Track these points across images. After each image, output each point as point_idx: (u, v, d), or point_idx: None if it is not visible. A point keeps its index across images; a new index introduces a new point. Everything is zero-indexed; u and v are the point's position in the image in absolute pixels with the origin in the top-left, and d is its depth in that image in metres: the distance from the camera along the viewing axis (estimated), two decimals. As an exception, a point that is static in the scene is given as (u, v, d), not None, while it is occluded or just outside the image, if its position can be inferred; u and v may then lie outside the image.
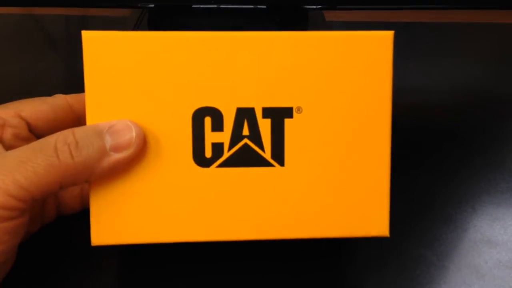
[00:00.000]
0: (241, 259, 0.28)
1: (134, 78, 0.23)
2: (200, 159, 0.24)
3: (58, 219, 0.28)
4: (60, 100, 0.26)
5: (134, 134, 0.22)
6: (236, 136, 0.24)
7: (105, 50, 0.23)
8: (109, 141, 0.22)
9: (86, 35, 0.23)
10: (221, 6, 0.42)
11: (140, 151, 0.23)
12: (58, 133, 0.22)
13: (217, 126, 0.24)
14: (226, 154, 0.24)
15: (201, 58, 0.23)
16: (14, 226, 0.21)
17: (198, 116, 0.23)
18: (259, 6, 0.42)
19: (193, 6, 0.42)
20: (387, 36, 0.24)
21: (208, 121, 0.23)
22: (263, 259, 0.28)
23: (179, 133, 0.23)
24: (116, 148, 0.22)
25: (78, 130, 0.22)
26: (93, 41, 0.23)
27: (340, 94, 0.24)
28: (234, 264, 0.28)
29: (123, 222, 0.23)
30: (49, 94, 0.27)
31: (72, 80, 0.41)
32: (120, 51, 0.23)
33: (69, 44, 0.45)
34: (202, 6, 0.42)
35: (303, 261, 0.28)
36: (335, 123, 0.24)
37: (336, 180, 0.24)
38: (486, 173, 0.35)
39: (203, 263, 0.28)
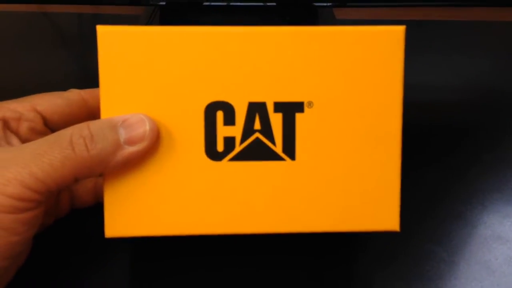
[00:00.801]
0: (251, 253, 0.28)
1: (148, 73, 0.23)
2: (212, 153, 0.24)
3: (73, 212, 0.29)
4: (74, 95, 0.27)
5: (147, 127, 0.22)
6: (247, 130, 0.24)
7: (119, 45, 0.23)
8: (123, 135, 0.22)
9: (101, 29, 0.23)
10: (231, 3, 0.42)
11: (153, 145, 0.23)
12: (73, 127, 0.22)
13: (229, 120, 0.24)
14: (238, 148, 0.24)
15: (214, 53, 0.24)
16: (29, 218, 0.21)
17: (211, 110, 0.24)
18: (269, 4, 0.42)
19: (204, 3, 0.42)
20: (398, 31, 0.24)
21: (220, 115, 0.24)
22: (274, 253, 0.28)
23: (192, 127, 0.24)
24: (130, 142, 0.22)
25: (93, 124, 0.22)
26: (108, 36, 0.23)
27: (351, 89, 0.24)
28: (245, 258, 0.28)
29: (137, 214, 0.24)
30: (63, 90, 0.28)
31: (85, 77, 0.42)
32: (134, 45, 0.23)
33: (81, 41, 0.46)
34: (212, 3, 0.42)
35: (313, 256, 0.28)
36: (346, 118, 0.24)
37: (347, 175, 0.24)
38: (497, 170, 0.35)
39: (216, 255, 0.28)
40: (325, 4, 0.42)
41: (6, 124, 0.25)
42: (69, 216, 0.28)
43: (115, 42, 0.23)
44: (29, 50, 0.44)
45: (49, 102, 0.26)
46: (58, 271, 0.27)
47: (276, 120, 0.24)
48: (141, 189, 0.24)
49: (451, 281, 0.27)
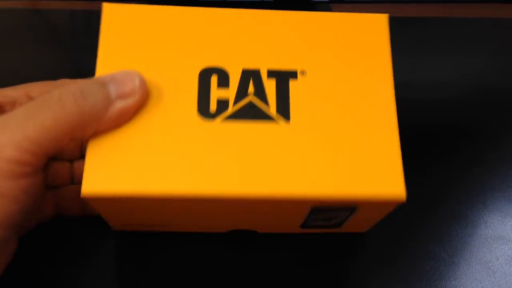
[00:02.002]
0: (247, 250, 0.27)
1: (145, 45, 0.24)
2: (205, 113, 0.23)
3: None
4: (66, 84, 0.26)
5: (137, 82, 0.22)
6: (241, 93, 0.24)
7: (121, 20, 0.24)
8: (113, 90, 0.22)
9: (106, 6, 0.24)
10: (228, -1, 0.42)
11: (144, 99, 0.22)
12: (60, 87, 0.22)
13: (223, 83, 0.24)
14: (232, 109, 0.24)
15: (211, 28, 0.24)
16: (28, 185, 0.21)
17: (205, 74, 0.24)
18: None
19: (199, -1, 0.41)
20: (383, 17, 0.25)
21: (214, 79, 0.24)
22: (272, 250, 0.28)
23: (185, 89, 0.24)
24: (121, 96, 0.22)
25: (81, 81, 0.22)
26: (111, 12, 0.24)
27: (343, 62, 0.25)
28: (239, 253, 0.27)
29: (119, 171, 0.22)
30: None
31: (77, 74, 0.41)
32: (134, 21, 0.24)
33: (74, 38, 0.45)
34: (208, -1, 0.41)
35: (311, 255, 0.28)
36: (340, 86, 0.24)
37: (343, 139, 0.24)
38: (498, 169, 0.34)
39: (205, 244, 0.27)
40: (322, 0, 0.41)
41: (1, 108, 0.25)
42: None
43: (117, 17, 0.24)
44: (21, 46, 0.43)
45: (42, 89, 0.26)
46: (44, 269, 0.26)
47: (270, 85, 0.24)
48: (127, 145, 0.22)
49: (451, 281, 0.26)
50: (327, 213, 0.25)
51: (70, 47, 0.44)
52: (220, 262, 0.27)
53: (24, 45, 0.43)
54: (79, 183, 0.24)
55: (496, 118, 0.38)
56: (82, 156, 0.28)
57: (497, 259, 0.28)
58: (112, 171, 0.22)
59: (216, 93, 0.24)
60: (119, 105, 0.22)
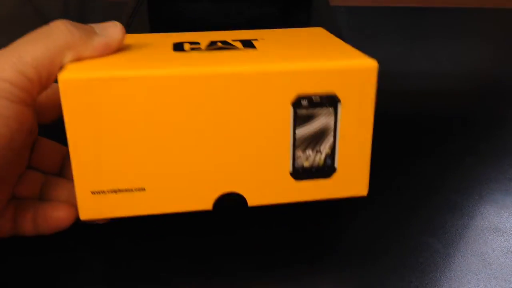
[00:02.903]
0: (230, 230, 0.27)
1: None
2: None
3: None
4: None
5: (119, 26, 0.25)
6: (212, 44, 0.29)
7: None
8: (97, 28, 0.25)
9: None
10: (222, -11, 0.41)
11: (123, 41, 0.26)
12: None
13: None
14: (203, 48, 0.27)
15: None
16: (21, 113, 0.22)
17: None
18: (261, -11, 0.41)
19: (193, -12, 0.41)
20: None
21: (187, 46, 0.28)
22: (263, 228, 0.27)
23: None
24: (105, 33, 0.25)
25: (69, 21, 0.24)
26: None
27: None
28: (227, 235, 0.27)
29: (97, 68, 0.24)
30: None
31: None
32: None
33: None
34: (202, -12, 0.41)
35: (301, 250, 0.27)
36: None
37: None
38: (494, 160, 0.34)
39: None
40: (318, -11, 0.41)
41: None
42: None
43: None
44: (13, 38, 0.43)
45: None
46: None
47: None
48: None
49: (446, 274, 0.26)
50: (311, 125, 0.25)
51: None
52: (209, 242, 0.27)
53: (16, 35, 0.43)
54: (48, 199, 0.26)
55: (492, 108, 0.38)
56: (60, 173, 0.28)
57: (493, 251, 0.27)
58: (89, 67, 0.24)
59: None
60: (104, 38, 0.25)
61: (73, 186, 0.26)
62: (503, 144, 0.35)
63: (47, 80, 0.23)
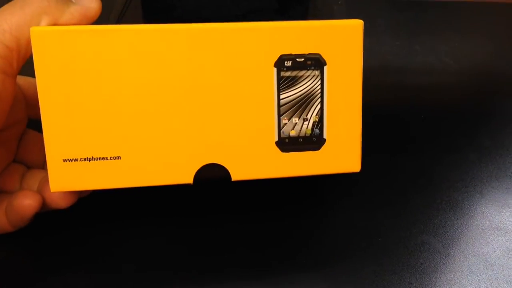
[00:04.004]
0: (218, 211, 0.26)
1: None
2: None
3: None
4: None
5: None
6: None
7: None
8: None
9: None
10: (217, -20, 0.40)
11: (99, 11, 0.25)
12: None
13: None
14: None
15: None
16: (2, 81, 0.22)
17: None
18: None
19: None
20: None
21: None
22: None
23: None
24: (81, 2, 0.25)
25: None
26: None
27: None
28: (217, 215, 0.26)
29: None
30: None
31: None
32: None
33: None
34: (197, -21, 0.40)
35: (299, 249, 0.26)
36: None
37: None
38: (495, 157, 0.33)
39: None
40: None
41: None
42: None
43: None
44: None
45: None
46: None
47: None
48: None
49: (446, 274, 0.25)
50: (296, 89, 0.25)
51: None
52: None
53: None
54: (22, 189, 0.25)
55: (493, 104, 0.37)
56: (44, 166, 0.27)
57: (495, 251, 0.27)
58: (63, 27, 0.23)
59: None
60: (79, 6, 0.24)
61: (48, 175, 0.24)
62: (504, 141, 0.35)
63: (26, 49, 0.23)
